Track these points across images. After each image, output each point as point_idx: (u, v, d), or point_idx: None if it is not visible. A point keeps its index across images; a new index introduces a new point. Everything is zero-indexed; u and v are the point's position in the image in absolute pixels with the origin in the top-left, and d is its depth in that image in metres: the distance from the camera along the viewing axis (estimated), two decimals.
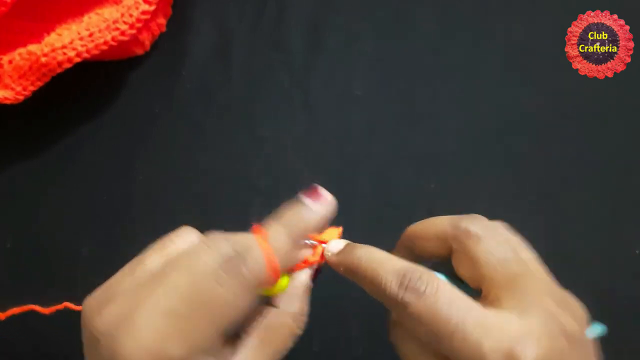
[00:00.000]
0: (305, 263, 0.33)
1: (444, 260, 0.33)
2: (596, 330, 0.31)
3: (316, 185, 0.32)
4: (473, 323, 0.27)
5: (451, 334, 0.27)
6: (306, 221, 0.31)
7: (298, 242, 0.31)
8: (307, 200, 0.31)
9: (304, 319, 0.32)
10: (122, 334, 0.25)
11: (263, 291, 0.31)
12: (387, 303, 0.29)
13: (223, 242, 0.28)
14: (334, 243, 0.33)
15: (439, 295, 0.28)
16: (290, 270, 0.33)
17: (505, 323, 0.27)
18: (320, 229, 0.32)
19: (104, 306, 0.27)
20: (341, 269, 0.32)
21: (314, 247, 0.33)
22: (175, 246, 0.30)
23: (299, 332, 0.31)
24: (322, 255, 0.34)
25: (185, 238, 0.30)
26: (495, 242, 0.30)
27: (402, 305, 0.28)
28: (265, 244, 0.28)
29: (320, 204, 0.32)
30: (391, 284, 0.29)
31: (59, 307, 0.37)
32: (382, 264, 0.30)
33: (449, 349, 0.27)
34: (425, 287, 0.28)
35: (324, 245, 0.34)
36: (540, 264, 0.31)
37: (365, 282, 0.31)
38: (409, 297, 0.28)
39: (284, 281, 0.32)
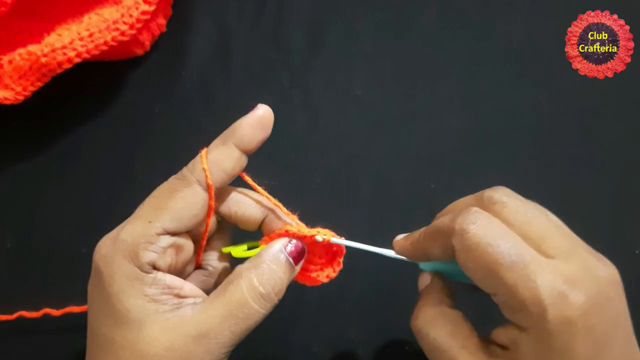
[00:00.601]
0: (285, 234, 0.34)
1: None
2: None
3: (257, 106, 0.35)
4: (529, 258, 0.28)
5: (510, 266, 0.28)
6: (237, 124, 0.34)
7: (231, 141, 0.33)
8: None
9: (272, 281, 0.32)
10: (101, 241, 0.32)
11: (232, 252, 0.35)
12: (445, 237, 0.30)
13: None
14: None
15: (496, 226, 0.29)
16: (266, 239, 0.34)
17: (554, 266, 0.28)
18: (254, 128, 0.34)
19: None
20: (408, 245, 0.34)
21: (305, 237, 0.34)
22: None
23: (263, 290, 0.31)
24: (305, 236, 0.34)
25: None
26: (520, 204, 0.31)
27: (460, 232, 0.29)
28: (203, 152, 0.33)
29: (252, 112, 0.34)
30: (449, 218, 0.30)
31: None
32: (438, 217, 0.32)
33: (503, 281, 0.28)
34: (483, 219, 0.29)
35: (319, 237, 0.34)
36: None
37: (425, 236, 0.32)
38: (467, 225, 0.29)
39: (251, 251, 0.34)
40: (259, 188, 0.35)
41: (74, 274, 0.45)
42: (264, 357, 0.44)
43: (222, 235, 0.37)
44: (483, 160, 0.47)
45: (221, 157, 0.33)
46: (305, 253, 0.34)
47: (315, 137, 0.48)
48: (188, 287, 0.33)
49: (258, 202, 0.35)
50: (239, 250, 0.35)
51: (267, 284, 0.31)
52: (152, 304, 0.30)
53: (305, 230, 0.34)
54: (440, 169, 0.47)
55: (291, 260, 0.33)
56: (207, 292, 0.35)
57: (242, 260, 0.33)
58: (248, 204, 0.35)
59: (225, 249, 0.36)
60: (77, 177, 0.48)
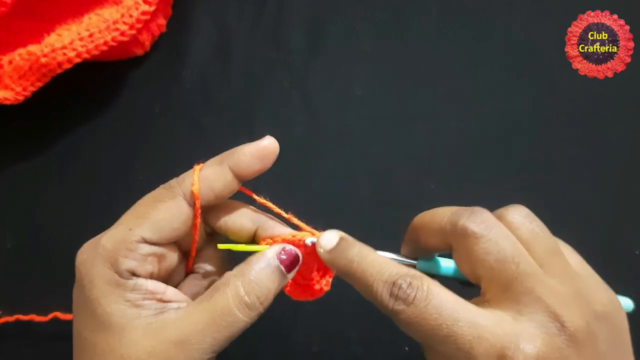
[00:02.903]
0: (276, 241, 0.33)
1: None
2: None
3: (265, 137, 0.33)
4: (465, 325, 0.27)
5: (443, 339, 0.27)
6: (238, 149, 0.32)
7: (228, 165, 0.32)
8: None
9: (258, 290, 0.31)
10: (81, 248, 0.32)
11: (231, 247, 0.33)
12: (380, 309, 0.30)
13: None
14: (327, 235, 0.33)
15: (428, 300, 0.28)
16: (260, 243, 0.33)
17: (498, 324, 0.27)
18: (253, 157, 0.32)
19: None
20: (333, 268, 0.32)
21: (295, 242, 0.33)
22: None
23: (248, 300, 0.30)
24: (299, 245, 0.33)
25: None
26: (494, 241, 0.29)
27: (393, 314, 0.29)
28: (196, 167, 0.32)
29: (257, 140, 0.33)
30: (382, 292, 0.29)
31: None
32: (374, 269, 0.30)
33: (443, 352, 0.28)
34: (415, 294, 0.28)
35: (310, 239, 0.33)
36: (553, 255, 0.30)
37: (358, 286, 0.31)
38: (399, 306, 0.28)
39: (252, 247, 0.33)
40: (260, 199, 0.34)
41: (74, 274, 0.45)
42: (264, 357, 0.44)
43: (213, 245, 0.35)
44: (483, 161, 0.47)
45: (213, 175, 0.32)
46: (299, 260, 0.33)
47: (315, 137, 0.48)
48: (171, 291, 0.32)
49: (252, 210, 0.34)
50: (238, 246, 0.34)
51: (252, 293, 0.31)
52: (134, 309, 0.30)
53: (299, 234, 0.33)
54: (440, 169, 0.47)
55: (283, 268, 0.32)
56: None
57: (239, 259, 0.33)
58: (239, 214, 0.34)
59: (222, 246, 0.34)
60: (77, 177, 0.48)
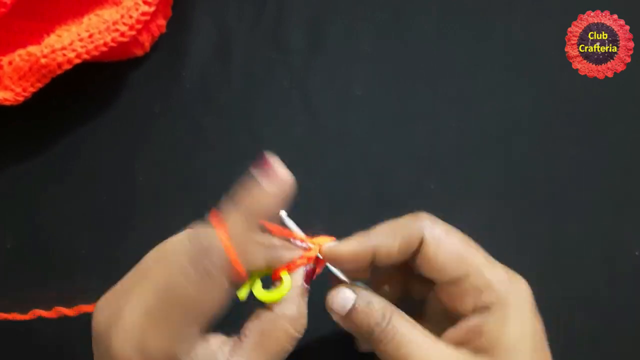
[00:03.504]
0: (296, 265, 0.33)
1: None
2: None
3: (268, 158, 0.31)
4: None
5: (477, 249, 0.34)
6: (263, 205, 0.31)
7: (257, 226, 0.31)
8: (261, 180, 0.31)
9: (303, 321, 0.32)
10: (113, 332, 0.28)
11: (262, 299, 0.31)
12: (410, 231, 0.34)
13: (196, 236, 0.30)
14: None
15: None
16: (276, 272, 0.32)
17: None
18: (278, 208, 0.31)
19: (104, 306, 0.30)
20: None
21: (307, 249, 0.33)
22: (170, 239, 0.31)
23: (299, 335, 0.31)
24: (316, 257, 0.33)
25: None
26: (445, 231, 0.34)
27: (432, 224, 0.34)
28: (225, 237, 0.29)
29: (274, 183, 0.31)
30: (410, 218, 0.35)
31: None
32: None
33: (474, 263, 0.33)
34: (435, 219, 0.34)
35: (312, 245, 0.34)
36: None
37: (383, 231, 0.35)
38: (436, 219, 0.34)
39: (282, 290, 0.32)
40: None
41: (74, 274, 0.46)
42: None
43: None
44: (483, 161, 0.47)
45: (250, 247, 0.31)
46: (314, 271, 0.34)
47: (315, 138, 0.48)
48: (210, 337, 0.31)
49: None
50: (260, 291, 0.32)
51: (302, 328, 0.32)
52: None
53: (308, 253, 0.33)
54: (440, 169, 0.47)
55: (307, 286, 0.33)
56: None
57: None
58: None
59: (243, 295, 0.32)
60: (77, 177, 0.48)
